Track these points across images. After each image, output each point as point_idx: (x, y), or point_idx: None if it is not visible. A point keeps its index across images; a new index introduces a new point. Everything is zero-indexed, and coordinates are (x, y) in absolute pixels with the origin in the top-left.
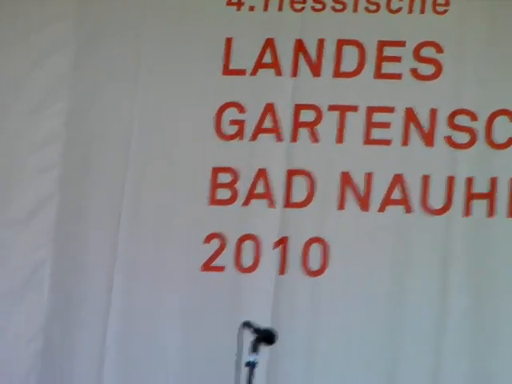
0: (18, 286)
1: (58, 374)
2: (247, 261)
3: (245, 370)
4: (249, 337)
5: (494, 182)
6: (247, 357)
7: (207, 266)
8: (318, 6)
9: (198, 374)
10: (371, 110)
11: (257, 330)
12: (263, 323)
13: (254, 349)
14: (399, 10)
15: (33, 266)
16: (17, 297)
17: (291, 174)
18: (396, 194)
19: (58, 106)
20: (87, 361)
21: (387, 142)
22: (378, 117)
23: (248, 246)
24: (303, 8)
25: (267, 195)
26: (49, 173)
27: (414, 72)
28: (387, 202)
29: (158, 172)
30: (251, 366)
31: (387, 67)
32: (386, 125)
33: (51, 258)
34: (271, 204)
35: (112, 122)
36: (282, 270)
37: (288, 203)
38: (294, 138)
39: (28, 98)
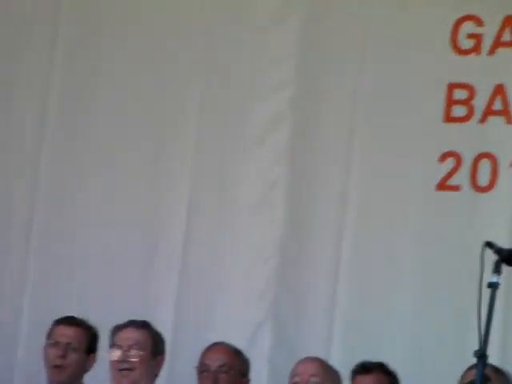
0: (254, 206)
1: (294, 291)
2: (483, 180)
3: (487, 291)
4: (490, 257)
5: None
6: (489, 277)
7: (442, 186)
8: None
9: (436, 291)
10: None
11: (499, 251)
12: (501, 243)
13: (497, 270)
14: None
15: (268, 184)
16: (253, 215)
17: None
18: None
19: (291, 22)
20: (322, 276)
21: None
22: None
23: (484, 164)
24: None
25: (505, 112)
26: (282, 91)
27: None
28: None
29: (390, 87)
30: (493, 287)
31: None
32: None
33: (285, 176)
34: (509, 121)
35: (344, 39)
36: None
37: None
38: None
39: (262, 13)
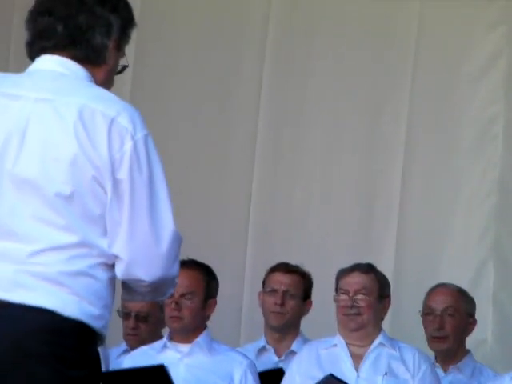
0: (473, 142)
1: None
2: None
3: None
4: None
5: None
6: None
7: None
8: None
9: None
10: None
11: None
12: None
13: None
14: None
15: (486, 120)
16: (472, 152)
17: None
18: None
19: None
20: None
21: None
22: None
23: None
24: None
25: None
26: (498, 28)
27: None
28: None
29: None
30: None
31: None
32: None
33: (504, 112)
34: None
35: None
36: None
37: None
38: None
39: None
